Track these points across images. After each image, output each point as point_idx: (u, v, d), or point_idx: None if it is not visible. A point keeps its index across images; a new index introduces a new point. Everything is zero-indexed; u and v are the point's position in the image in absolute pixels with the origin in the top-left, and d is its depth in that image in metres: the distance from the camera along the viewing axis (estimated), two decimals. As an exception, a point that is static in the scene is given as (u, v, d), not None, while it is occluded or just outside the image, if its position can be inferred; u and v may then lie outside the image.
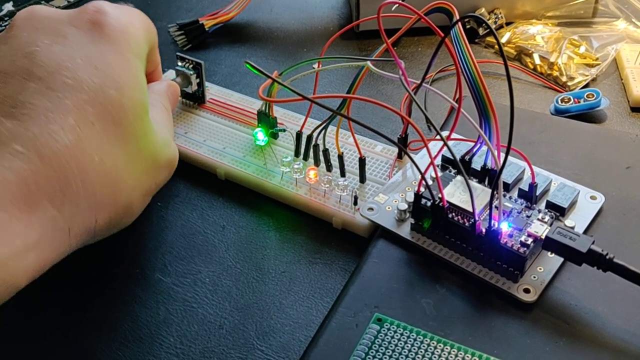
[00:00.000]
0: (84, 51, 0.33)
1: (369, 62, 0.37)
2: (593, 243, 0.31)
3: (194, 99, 0.47)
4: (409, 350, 0.30)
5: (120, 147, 0.33)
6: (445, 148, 0.36)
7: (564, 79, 0.49)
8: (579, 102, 0.46)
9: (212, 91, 0.48)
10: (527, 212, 0.34)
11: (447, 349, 0.30)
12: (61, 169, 0.30)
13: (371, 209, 0.37)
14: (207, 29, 0.55)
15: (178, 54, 0.46)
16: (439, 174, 0.35)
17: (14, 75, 0.32)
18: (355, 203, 0.38)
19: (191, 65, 0.45)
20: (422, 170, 0.34)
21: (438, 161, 0.39)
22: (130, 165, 0.34)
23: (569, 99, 0.46)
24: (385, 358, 0.30)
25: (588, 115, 0.46)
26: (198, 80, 0.46)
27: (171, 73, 0.47)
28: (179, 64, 0.46)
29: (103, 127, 0.32)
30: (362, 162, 0.39)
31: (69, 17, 0.35)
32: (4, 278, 0.28)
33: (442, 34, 0.34)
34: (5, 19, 0.60)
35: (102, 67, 0.33)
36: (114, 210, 0.33)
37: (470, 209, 0.33)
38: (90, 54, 0.33)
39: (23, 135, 0.30)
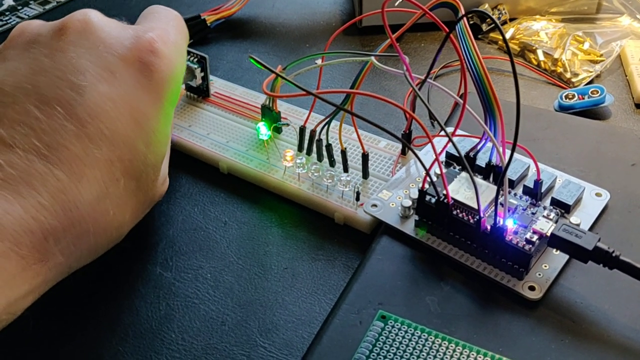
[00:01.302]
0: (128, 96, 0.33)
1: (373, 58, 0.37)
2: (599, 240, 0.31)
3: (198, 93, 0.47)
4: (414, 348, 0.30)
5: (133, 200, 0.34)
6: (449, 144, 0.36)
7: (568, 75, 0.49)
8: (583, 98, 0.46)
9: (217, 85, 0.48)
10: (532, 209, 0.34)
11: (451, 346, 0.30)
12: (79, 223, 0.31)
13: (375, 205, 0.37)
14: (209, 24, 0.55)
15: None
16: (444, 170, 0.35)
17: (56, 107, 0.31)
18: (358, 199, 0.38)
19: (196, 59, 0.45)
20: (427, 166, 0.33)
21: (442, 158, 0.38)
22: (136, 212, 0.35)
23: (573, 96, 0.46)
24: (390, 355, 0.30)
25: (592, 112, 0.46)
26: (202, 74, 0.45)
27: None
28: None
29: (125, 183, 0.32)
30: (365, 157, 0.39)
31: (122, 48, 0.34)
32: (4, 318, 0.29)
33: (447, 29, 0.33)
34: (7, 13, 0.59)
35: (141, 120, 0.33)
36: (107, 248, 0.34)
37: (475, 206, 0.32)
38: (133, 104, 0.33)
39: (53, 185, 0.30)
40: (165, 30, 0.36)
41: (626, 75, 0.49)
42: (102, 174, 0.31)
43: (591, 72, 0.49)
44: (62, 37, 0.33)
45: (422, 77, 0.37)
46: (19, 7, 0.60)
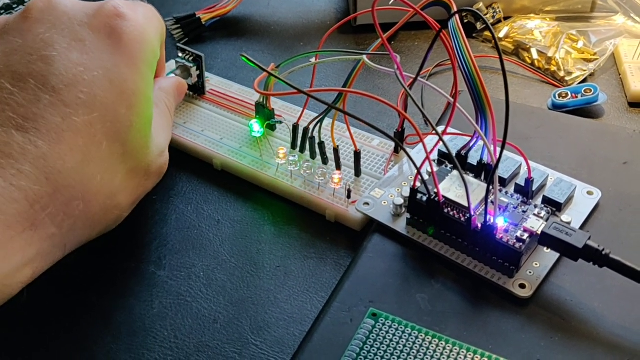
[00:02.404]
0: (101, 61, 0.33)
1: (364, 57, 0.37)
2: (589, 238, 0.31)
3: (194, 90, 0.47)
4: (404, 346, 0.30)
5: (121, 165, 0.33)
6: (441, 143, 0.36)
7: (561, 73, 0.49)
8: (576, 97, 0.46)
9: (213, 82, 0.48)
10: (523, 207, 0.34)
11: (442, 344, 0.30)
12: (65, 189, 0.31)
13: (367, 203, 0.37)
14: (203, 23, 0.55)
15: (178, 45, 0.46)
16: (435, 168, 0.35)
17: (29, 80, 0.31)
18: (349, 196, 0.38)
19: (191, 58, 0.45)
20: (418, 165, 0.33)
21: (435, 156, 0.38)
22: (127, 180, 0.34)
23: (567, 94, 0.46)
24: (380, 353, 0.30)
25: (585, 111, 0.46)
26: (198, 72, 0.46)
27: (171, 64, 0.47)
28: (180, 55, 0.46)
29: (109, 146, 0.32)
30: (357, 155, 0.39)
31: (87, 17, 0.34)
32: (1, 290, 0.29)
33: (439, 27, 0.33)
34: (2, 12, 0.59)
35: (117, 81, 0.33)
36: (106, 223, 0.34)
37: (466, 204, 0.33)
38: (106, 66, 0.33)
39: (33, 153, 0.30)
40: (131, 1, 0.37)
41: (619, 74, 0.49)
42: (82, 138, 0.31)
43: (585, 70, 0.49)
44: (28, 19, 0.34)
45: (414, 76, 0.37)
46: (14, 6, 0.60)
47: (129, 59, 0.34)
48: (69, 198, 0.31)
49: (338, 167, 0.40)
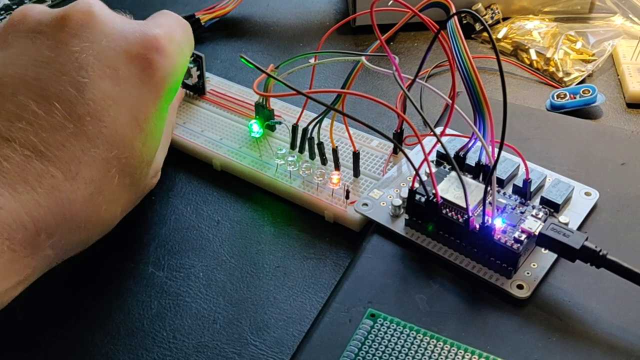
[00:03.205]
0: (129, 96, 0.33)
1: (363, 58, 0.37)
2: (587, 239, 0.31)
3: (194, 90, 0.47)
4: (402, 346, 0.30)
5: (126, 195, 0.34)
6: (439, 144, 0.36)
7: (560, 74, 0.49)
8: (574, 98, 0.46)
9: (213, 82, 0.48)
10: (521, 208, 0.34)
11: (440, 344, 0.30)
12: (72, 219, 0.31)
13: (366, 204, 0.37)
14: (203, 24, 0.55)
15: None
16: (434, 169, 0.35)
17: (55, 104, 0.31)
18: (347, 197, 0.38)
19: (192, 58, 0.45)
20: (417, 165, 0.34)
21: (433, 157, 0.38)
22: (127, 205, 0.35)
23: (565, 95, 0.46)
24: (379, 353, 0.30)
25: (584, 111, 0.46)
26: (198, 72, 0.46)
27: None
28: None
29: (120, 179, 0.33)
30: (356, 156, 0.39)
31: (126, 43, 0.33)
32: None
33: (437, 27, 0.34)
34: (1, 12, 0.59)
35: (140, 119, 0.33)
36: (101, 233, 0.34)
37: (464, 205, 0.33)
38: (133, 101, 0.33)
39: (49, 182, 0.30)
40: (172, 28, 0.36)
41: (618, 75, 0.50)
42: (98, 173, 0.31)
43: (583, 71, 0.49)
44: (64, 29, 0.33)
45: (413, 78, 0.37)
46: (14, 7, 0.60)
47: (156, 96, 0.34)
48: (73, 227, 0.31)
49: (337, 167, 0.40)
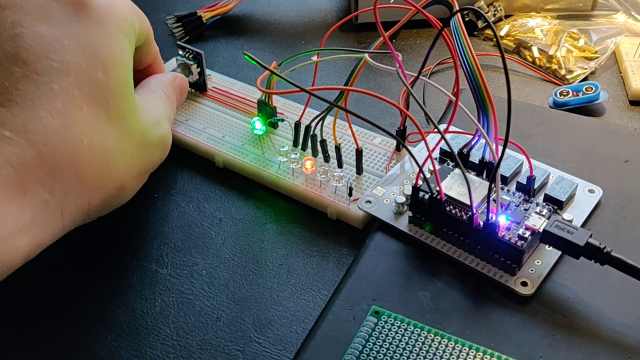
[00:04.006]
0: (71, 31, 0.33)
1: (366, 55, 0.37)
2: (591, 236, 0.31)
3: (195, 87, 0.47)
4: (406, 343, 0.30)
5: (108, 129, 0.33)
6: (443, 141, 0.36)
7: (562, 72, 0.49)
8: (577, 95, 0.46)
9: (215, 79, 0.48)
10: (525, 205, 0.34)
11: (444, 341, 0.30)
12: (50, 154, 0.30)
13: (369, 201, 0.37)
14: (204, 21, 0.55)
15: (178, 43, 0.46)
16: (437, 166, 0.35)
17: (2, 60, 0.31)
18: (350, 194, 0.38)
19: (191, 55, 0.45)
20: (420, 163, 0.34)
21: (436, 154, 0.38)
22: (119, 146, 0.34)
23: (568, 92, 0.46)
24: (383, 351, 0.30)
25: (586, 109, 0.46)
26: (199, 69, 0.46)
27: (172, 62, 0.47)
28: (180, 53, 0.46)
29: (91, 110, 0.32)
30: (359, 153, 0.39)
31: None
32: None
33: (441, 25, 0.33)
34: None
35: (89, 47, 0.33)
36: (107, 191, 0.34)
37: (468, 202, 0.33)
38: (76, 34, 0.33)
39: (11, 121, 0.30)
40: None
41: (620, 72, 0.49)
42: (61, 102, 0.31)
43: (586, 69, 0.49)
44: None
45: (416, 75, 0.37)
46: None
47: (99, 25, 0.34)
48: (56, 162, 0.31)
49: (340, 165, 0.40)
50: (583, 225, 0.35)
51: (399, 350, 0.30)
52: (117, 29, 0.35)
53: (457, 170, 0.35)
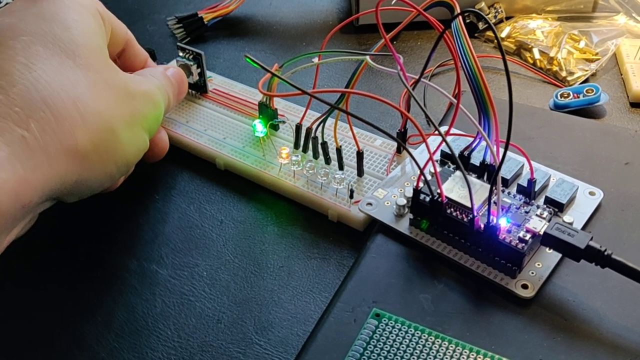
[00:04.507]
0: (29, 12, 0.35)
1: (367, 57, 0.37)
2: (591, 239, 0.31)
3: (196, 89, 0.47)
4: (407, 346, 0.30)
5: (80, 76, 0.34)
6: (444, 143, 0.36)
7: (563, 74, 0.49)
8: (578, 97, 0.46)
9: (216, 81, 0.48)
10: (525, 207, 0.34)
11: (444, 344, 0.30)
12: (21, 98, 0.31)
13: (370, 204, 0.37)
14: (205, 22, 0.55)
15: (178, 44, 0.46)
16: (438, 169, 0.35)
17: None
18: (351, 196, 0.38)
19: (191, 56, 0.45)
20: (421, 165, 0.34)
21: (437, 156, 0.38)
22: (96, 92, 0.34)
23: (569, 94, 0.46)
24: (383, 353, 0.30)
25: (587, 111, 0.46)
26: (199, 70, 0.46)
27: (172, 64, 0.47)
28: (180, 54, 0.46)
29: (58, 61, 0.33)
30: (360, 155, 0.39)
31: None
32: None
33: (442, 27, 0.33)
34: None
35: (47, 15, 0.35)
36: (94, 132, 0.33)
37: (469, 205, 0.33)
38: (34, 13, 0.34)
39: None
40: None
41: (621, 74, 0.49)
42: (25, 58, 0.32)
43: (586, 70, 0.49)
44: None
45: (417, 76, 0.37)
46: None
47: (57, 3, 0.35)
48: (26, 101, 0.31)
49: (340, 167, 0.40)
50: (584, 227, 0.35)
51: (400, 352, 0.30)
52: (78, 5, 0.36)
53: (458, 173, 0.35)
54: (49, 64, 0.33)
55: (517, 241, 0.32)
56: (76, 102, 0.33)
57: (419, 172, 0.34)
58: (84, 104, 0.33)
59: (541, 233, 0.32)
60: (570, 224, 0.34)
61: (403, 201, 0.36)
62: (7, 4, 0.60)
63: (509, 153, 0.36)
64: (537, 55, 0.50)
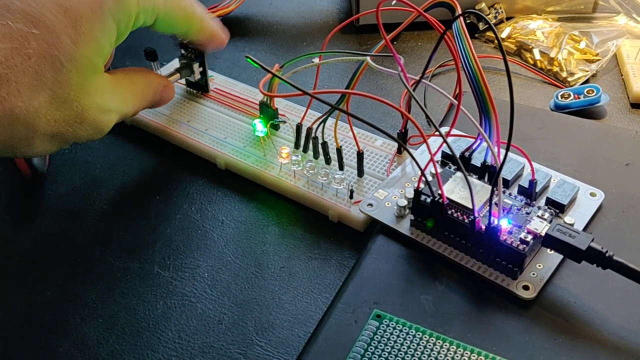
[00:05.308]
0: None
1: (368, 58, 0.37)
2: (592, 240, 0.31)
3: (197, 88, 0.47)
4: (408, 347, 0.30)
5: (45, 88, 0.33)
6: (445, 144, 0.36)
7: (564, 74, 0.49)
8: (578, 98, 0.46)
9: (217, 81, 0.48)
10: (526, 208, 0.34)
11: (445, 345, 0.30)
12: None
13: (370, 204, 0.37)
14: (206, 22, 0.55)
15: (181, 42, 0.46)
16: (439, 170, 0.35)
17: None
18: (351, 197, 0.38)
19: (193, 54, 0.45)
20: (422, 166, 0.34)
21: (438, 157, 0.38)
22: (50, 106, 0.33)
23: (569, 95, 0.46)
24: (384, 354, 0.30)
25: (588, 111, 0.46)
26: (201, 69, 0.46)
27: (174, 62, 0.47)
28: (182, 52, 0.46)
29: (40, 67, 0.32)
30: (360, 156, 0.39)
31: None
32: None
33: (443, 28, 0.33)
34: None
35: (72, 13, 0.33)
36: (17, 115, 0.32)
37: (470, 206, 0.33)
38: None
39: None
40: None
41: (622, 75, 0.49)
42: (10, 43, 0.31)
43: (587, 71, 0.49)
44: None
45: (418, 77, 0.37)
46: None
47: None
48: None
49: (341, 167, 0.40)
50: (585, 229, 0.35)
51: (401, 354, 0.30)
52: (108, 11, 0.35)
53: (458, 174, 0.35)
54: (25, 66, 0.32)
55: (518, 242, 0.32)
56: (25, 107, 0.32)
57: (419, 172, 0.34)
58: (29, 108, 0.32)
59: (542, 234, 0.32)
60: (572, 225, 0.34)
61: (404, 202, 0.36)
62: None
63: (509, 154, 0.36)
64: (537, 56, 0.50)
